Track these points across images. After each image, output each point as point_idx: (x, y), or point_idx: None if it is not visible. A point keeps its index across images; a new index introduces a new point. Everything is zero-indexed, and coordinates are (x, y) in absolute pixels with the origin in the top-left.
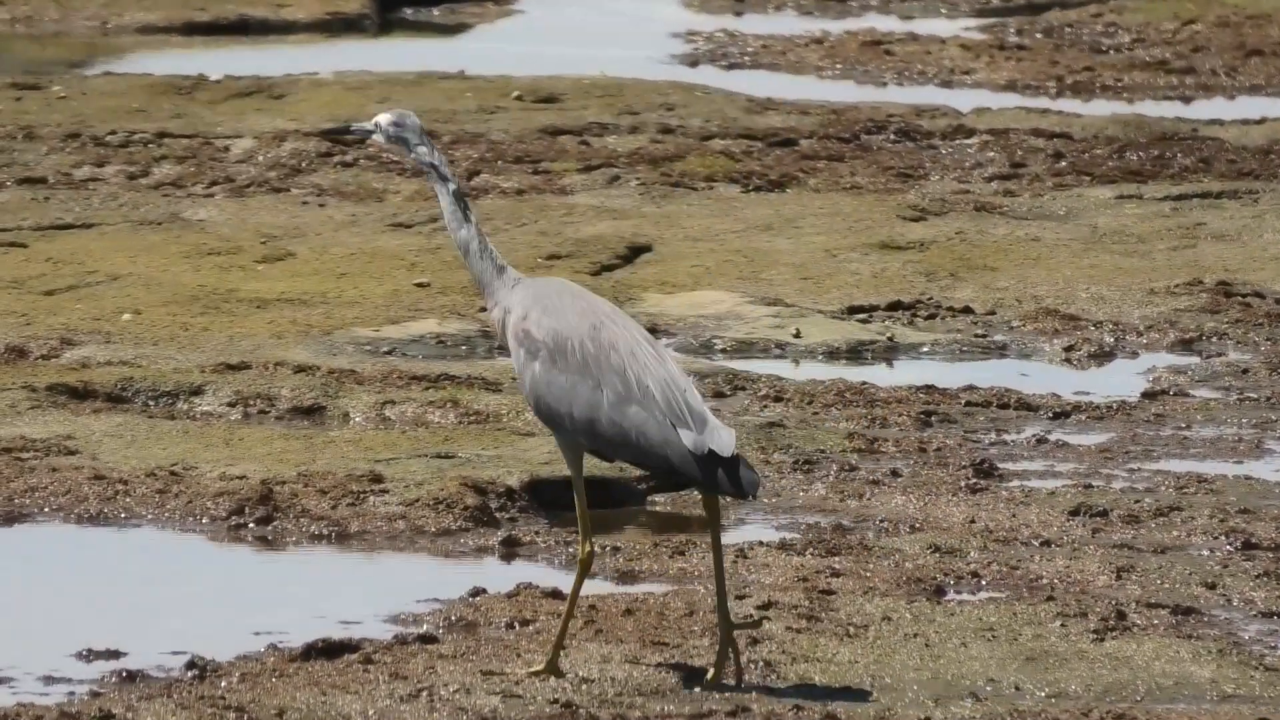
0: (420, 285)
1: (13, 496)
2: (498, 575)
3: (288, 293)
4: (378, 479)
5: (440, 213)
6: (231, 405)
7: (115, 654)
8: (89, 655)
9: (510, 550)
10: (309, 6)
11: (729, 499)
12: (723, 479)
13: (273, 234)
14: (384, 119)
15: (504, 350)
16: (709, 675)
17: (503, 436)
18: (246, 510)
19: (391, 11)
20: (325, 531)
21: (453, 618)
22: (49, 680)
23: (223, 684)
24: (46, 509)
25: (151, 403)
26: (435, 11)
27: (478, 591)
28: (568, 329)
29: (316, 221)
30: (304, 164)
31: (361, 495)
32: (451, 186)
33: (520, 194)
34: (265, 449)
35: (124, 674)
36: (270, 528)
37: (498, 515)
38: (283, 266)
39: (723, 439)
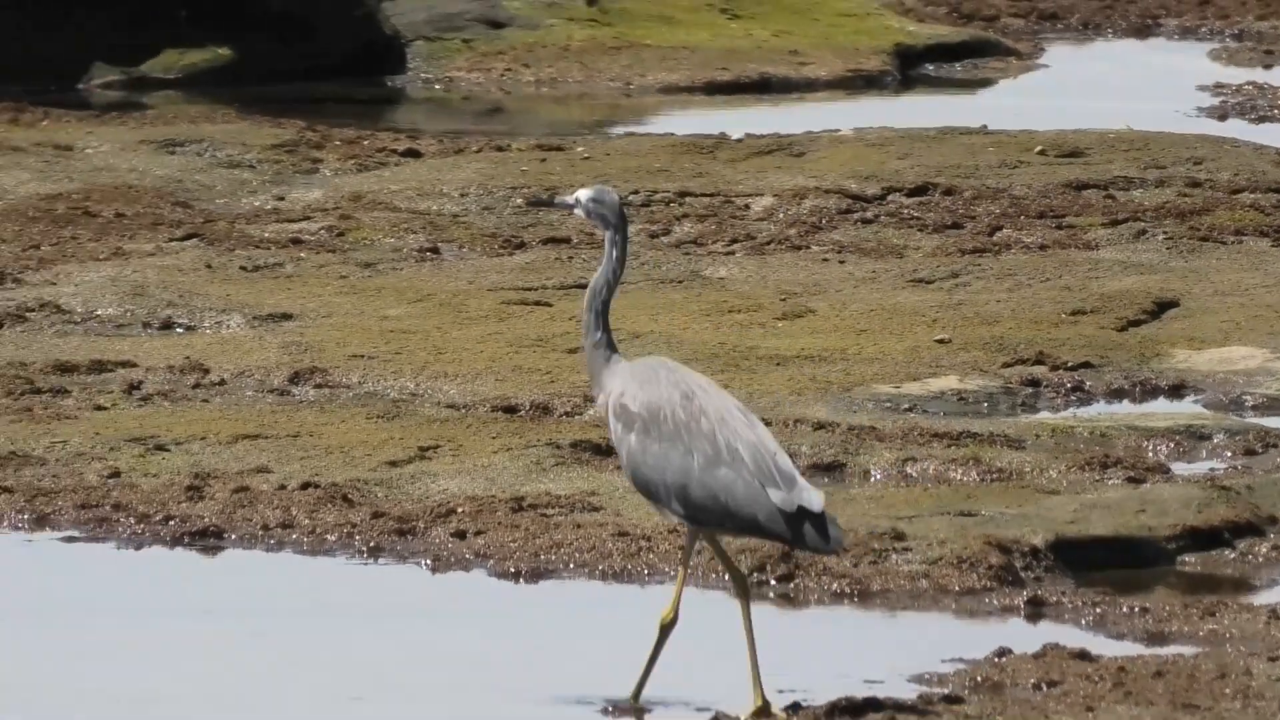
0: (941, 341)
1: (538, 552)
2: (1023, 636)
3: (807, 349)
4: (899, 536)
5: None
6: None
7: (640, 711)
8: (613, 711)
9: (1036, 610)
10: (830, 65)
11: (817, 553)
12: (810, 534)
13: (792, 291)
14: (584, 194)
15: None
16: None
17: (1026, 495)
18: (768, 568)
19: (913, 68)
20: (847, 589)
21: (978, 678)
22: None
23: None
24: (571, 565)
25: None
26: (957, 67)
27: (1003, 652)
28: (659, 399)
29: (836, 278)
30: (824, 221)
31: (883, 553)
32: (619, 269)
33: (1043, 249)
34: None
35: None
36: (791, 585)
37: (1022, 575)
38: (802, 323)
39: (813, 497)
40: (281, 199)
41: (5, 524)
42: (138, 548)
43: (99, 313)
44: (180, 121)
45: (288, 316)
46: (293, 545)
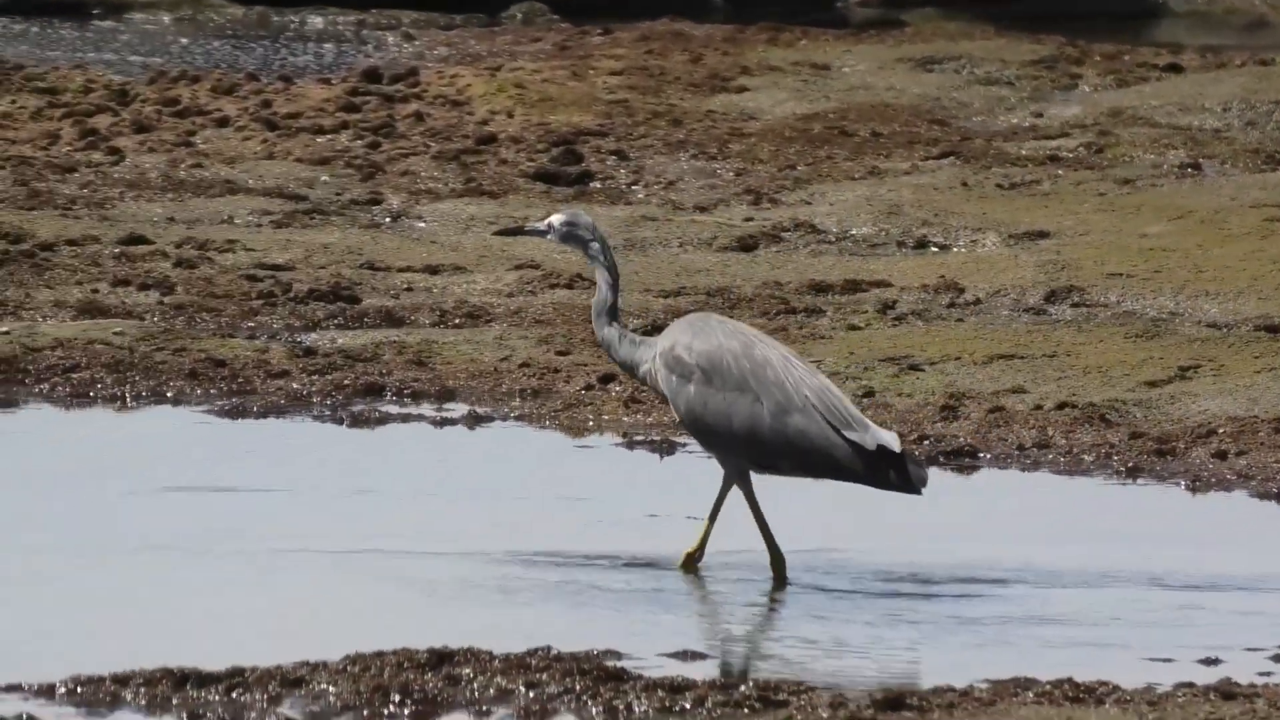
0: None
1: None
2: None
3: None
4: None
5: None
6: None
7: None
8: None
9: None
10: None
11: (900, 492)
12: (891, 475)
13: None
14: (556, 219)
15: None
16: None
17: None
18: None
19: None
20: None
21: None
22: None
23: None
24: None
25: None
26: None
27: None
28: (719, 349)
29: None
30: None
31: None
32: (612, 285)
33: None
34: None
35: None
36: None
37: None
38: None
39: (889, 437)
40: (1039, 116)
41: None
42: None
43: (853, 232)
44: (938, 38)
45: (1043, 234)
46: (1049, 465)
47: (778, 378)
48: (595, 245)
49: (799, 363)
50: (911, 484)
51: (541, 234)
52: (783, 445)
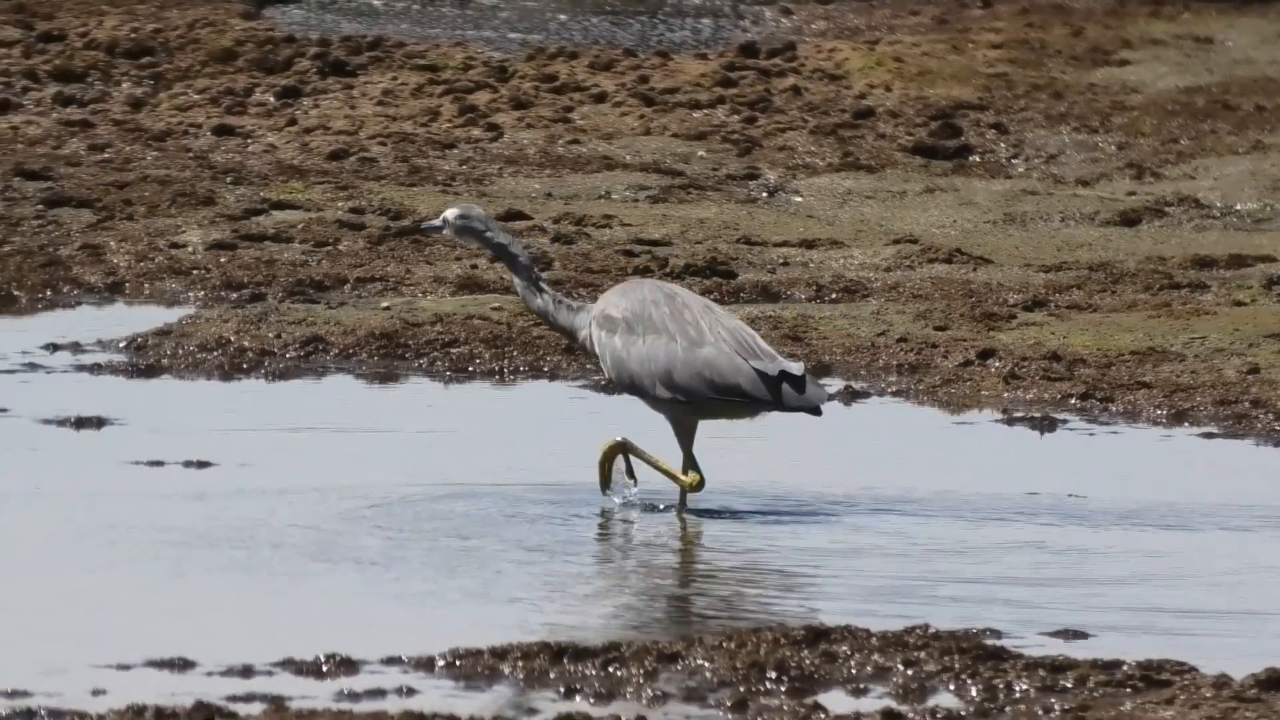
0: None
1: None
2: None
3: None
4: None
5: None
6: None
7: None
8: None
9: None
10: None
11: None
12: (790, 395)
13: None
14: (450, 214)
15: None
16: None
17: None
18: None
19: None
20: None
21: None
22: None
23: None
24: None
25: None
26: None
27: None
28: (642, 301)
29: None
30: None
31: None
32: (522, 264)
33: None
34: None
35: None
36: None
37: None
38: None
39: (794, 365)
40: None
41: (1143, 419)
42: (1276, 444)
43: (1238, 207)
44: None
45: None
46: None
47: (694, 318)
48: (490, 234)
49: (719, 310)
50: (812, 404)
51: (437, 229)
52: (694, 377)
